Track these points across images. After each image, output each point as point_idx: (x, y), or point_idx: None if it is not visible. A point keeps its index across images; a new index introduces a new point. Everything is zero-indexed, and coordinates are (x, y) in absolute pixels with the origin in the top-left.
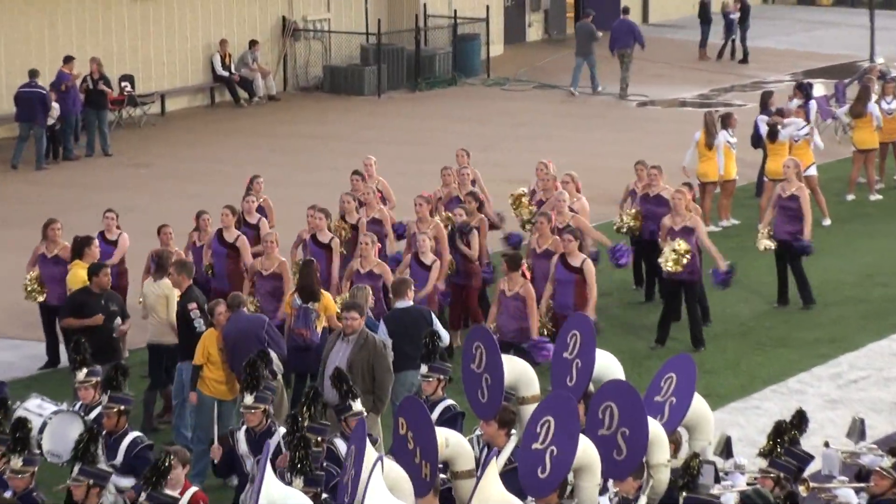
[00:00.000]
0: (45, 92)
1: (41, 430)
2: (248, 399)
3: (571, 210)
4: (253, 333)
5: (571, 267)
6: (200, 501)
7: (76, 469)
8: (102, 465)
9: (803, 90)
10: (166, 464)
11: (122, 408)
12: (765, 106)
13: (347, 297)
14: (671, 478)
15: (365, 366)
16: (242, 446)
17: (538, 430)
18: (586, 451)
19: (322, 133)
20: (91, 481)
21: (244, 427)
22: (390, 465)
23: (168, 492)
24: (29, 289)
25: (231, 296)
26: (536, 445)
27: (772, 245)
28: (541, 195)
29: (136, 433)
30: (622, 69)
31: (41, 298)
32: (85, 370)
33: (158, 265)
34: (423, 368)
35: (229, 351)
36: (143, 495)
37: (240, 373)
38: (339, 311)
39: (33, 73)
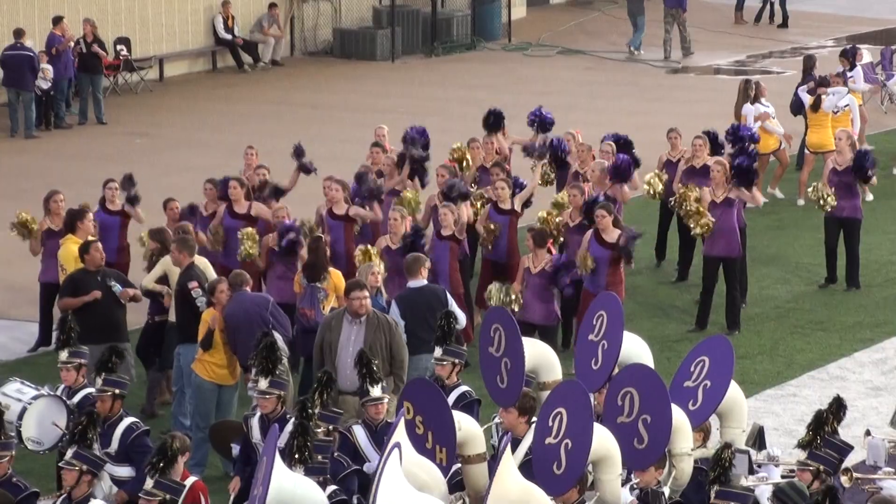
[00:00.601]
0: (33, 54)
1: (20, 417)
2: (263, 384)
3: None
4: (257, 314)
5: (606, 243)
6: (200, 492)
7: (70, 452)
8: (98, 453)
9: (848, 57)
10: (174, 447)
11: (117, 391)
12: (807, 73)
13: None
14: (703, 468)
15: (384, 347)
16: (256, 433)
17: (550, 423)
18: (604, 441)
19: (331, 101)
20: (85, 467)
21: (258, 414)
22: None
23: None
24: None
25: (233, 274)
26: (550, 440)
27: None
28: (576, 167)
29: (131, 419)
30: (681, 29)
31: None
32: (68, 351)
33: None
34: (438, 351)
35: (231, 333)
36: (150, 482)
37: (243, 356)
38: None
39: (19, 34)
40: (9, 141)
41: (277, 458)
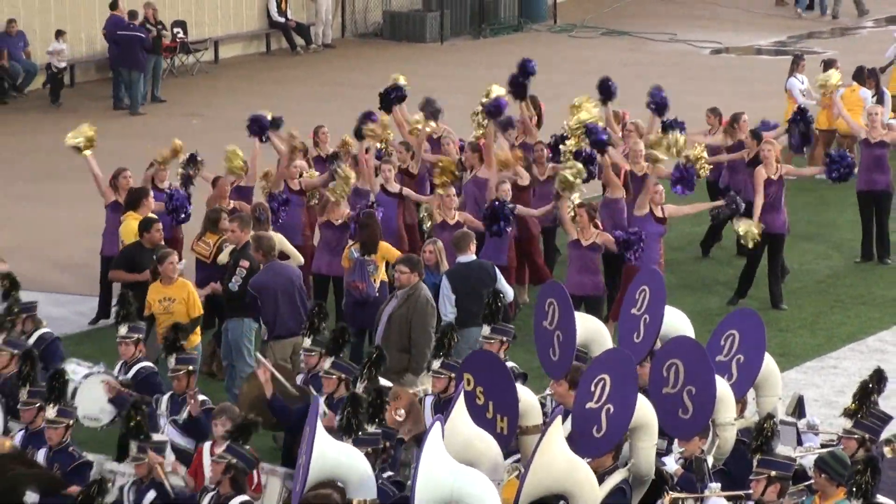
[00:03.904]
0: (144, 35)
1: (73, 396)
2: (327, 364)
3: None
4: (291, 284)
5: (658, 218)
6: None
7: (134, 448)
8: (156, 435)
9: None
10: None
11: (191, 368)
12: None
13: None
14: (744, 439)
15: (403, 322)
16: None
17: (592, 388)
18: (644, 410)
19: (381, 82)
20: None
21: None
22: (460, 426)
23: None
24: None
25: (266, 242)
26: (591, 404)
27: None
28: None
29: (202, 397)
30: None
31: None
32: (127, 326)
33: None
34: (486, 329)
35: (265, 300)
36: (224, 447)
37: (274, 323)
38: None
39: (133, 15)
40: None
41: (320, 427)
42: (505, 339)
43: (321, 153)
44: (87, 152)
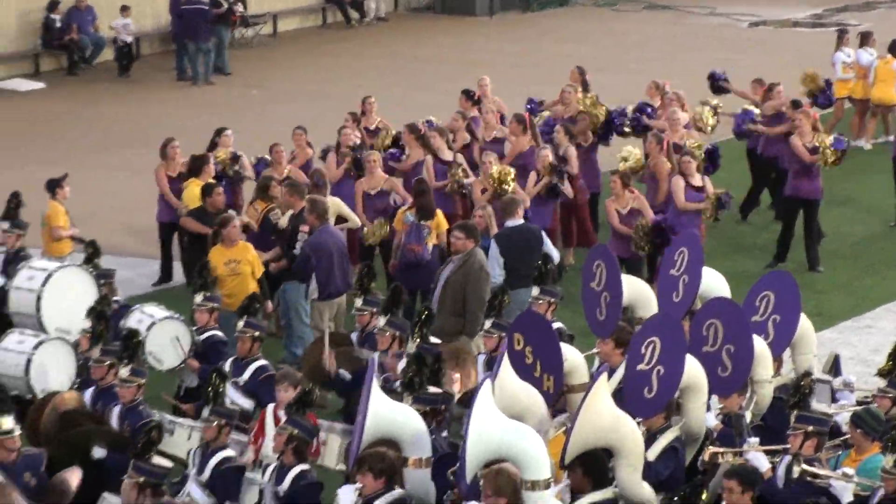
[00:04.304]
0: (206, 7)
1: (148, 329)
2: (381, 321)
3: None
4: (340, 247)
5: (695, 187)
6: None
7: (206, 410)
8: (229, 404)
9: None
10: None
11: (256, 334)
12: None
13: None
14: (781, 396)
15: (458, 287)
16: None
17: (643, 350)
18: (693, 370)
19: (433, 55)
20: (223, 421)
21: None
22: (507, 381)
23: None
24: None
25: (320, 205)
26: (642, 366)
27: None
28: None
29: (263, 361)
30: None
31: None
32: (202, 295)
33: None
34: (535, 291)
35: (318, 261)
36: (268, 411)
37: (326, 283)
38: None
39: None
40: (134, 91)
41: (375, 387)
42: (553, 300)
43: (368, 125)
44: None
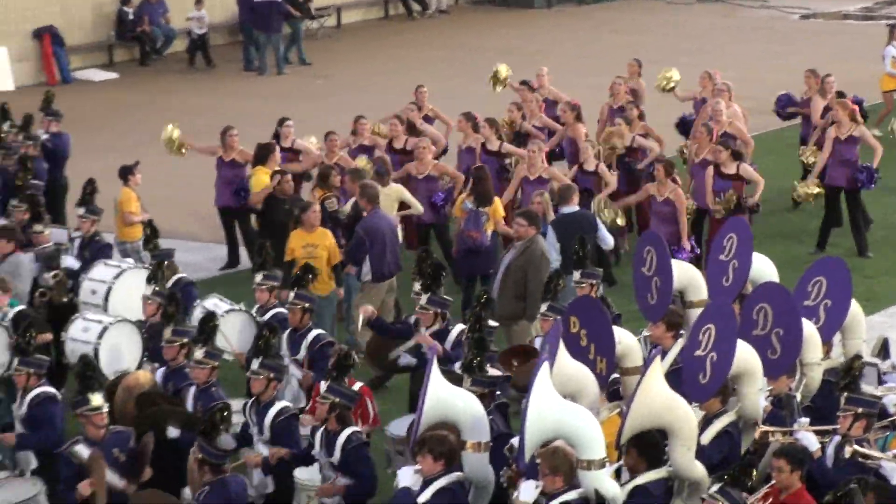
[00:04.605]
0: (280, 0)
1: (223, 315)
2: (423, 299)
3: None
4: (390, 230)
5: (725, 175)
6: (367, 397)
7: (255, 363)
8: (280, 360)
9: None
10: (350, 360)
11: (307, 305)
12: None
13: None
14: (830, 379)
15: (519, 272)
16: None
17: (700, 337)
18: (747, 357)
19: (493, 46)
20: (271, 374)
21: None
22: (563, 363)
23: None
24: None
25: (370, 190)
26: (698, 352)
27: None
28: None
29: (318, 331)
30: None
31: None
32: (262, 274)
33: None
34: (576, 275)
35: (371, 244)
36: (324, 385)
37: (377, 265)
38: None
39: None
40: (207, 80)
41: (435, 370)
42: (594, 281)
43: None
44: (183, 150)
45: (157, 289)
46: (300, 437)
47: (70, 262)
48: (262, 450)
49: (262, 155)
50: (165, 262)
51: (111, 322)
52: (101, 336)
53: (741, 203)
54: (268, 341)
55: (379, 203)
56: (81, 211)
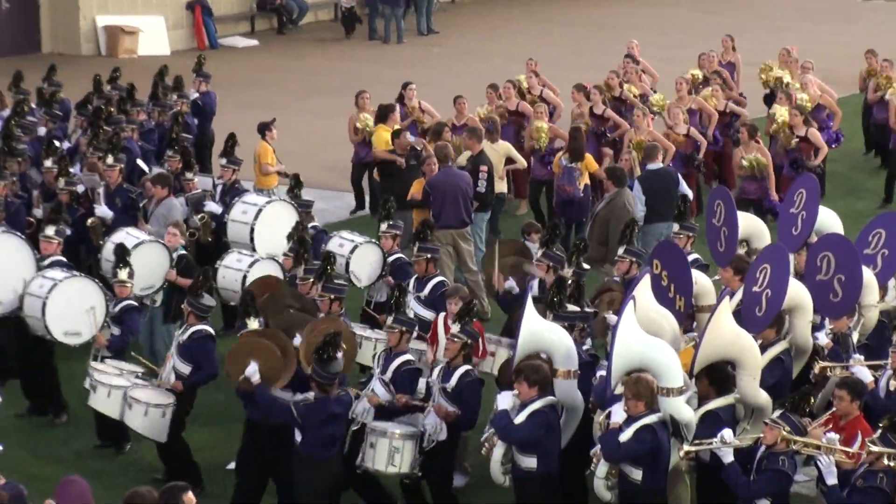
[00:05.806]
0: None
1: (352, 251)
2: (539, 253)
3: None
4: (461, 186)
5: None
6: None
7: (390, 319)
8: (412, 314)
9: None
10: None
11: (429, 256)
12: None
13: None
14: (884, 320)
15: (604, 221)
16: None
17: (758, 275)
18: (799, 293)
19: (596, 20)
20: (404, 328)
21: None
22: (646, 301)
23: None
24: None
25: (439, 147)
26: (755, 288)
27: None
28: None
29: (440, 277)
30: None
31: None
32: (387, 223)
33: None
34: (675, 227)
35: (437, 199)
36: (456, 327)
37: (445, 218)
38: None
39: None
40: (331, 48)
41: (529, 304)
42: (691, 234)
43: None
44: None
45: (296, 238)
46: (413, 388)
47: (213, 206)
48: (379, 388)
49: (383, 114)
50: (303, 210)
51: (257, 259)
52: (250, 266)
53: (799, 163)
54: (399, 300)
55: (450, 162)
56: (223, 161)
